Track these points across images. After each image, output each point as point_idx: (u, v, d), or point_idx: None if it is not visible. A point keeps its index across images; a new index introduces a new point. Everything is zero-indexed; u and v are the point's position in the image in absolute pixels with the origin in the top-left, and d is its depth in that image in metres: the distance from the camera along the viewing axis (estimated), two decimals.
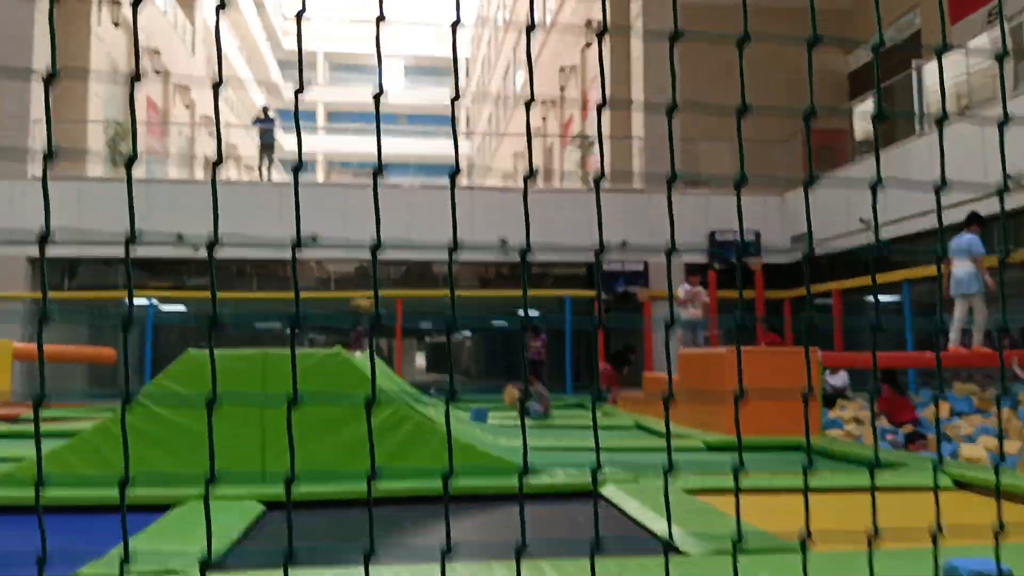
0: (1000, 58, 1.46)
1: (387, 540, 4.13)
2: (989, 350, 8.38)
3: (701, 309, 11.00)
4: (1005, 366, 8.44)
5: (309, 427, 5.18)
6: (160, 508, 4.45)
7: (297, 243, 1.18)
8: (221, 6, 1.18)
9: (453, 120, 1.43)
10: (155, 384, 5.45)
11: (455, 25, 1.35)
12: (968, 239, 8.26)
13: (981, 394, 9.95)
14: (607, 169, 18.42)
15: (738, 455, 1.38)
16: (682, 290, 11.33)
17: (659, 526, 4.00)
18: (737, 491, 1.35)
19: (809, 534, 1.34)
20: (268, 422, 5.28)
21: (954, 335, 8.56)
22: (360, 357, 7.29)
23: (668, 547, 1.46)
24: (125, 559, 1.10)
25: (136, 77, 1.14)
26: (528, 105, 1.31)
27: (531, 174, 1.25)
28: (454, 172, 1.33)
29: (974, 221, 8.46)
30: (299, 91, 1.28)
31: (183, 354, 5.63)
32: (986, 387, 10.43)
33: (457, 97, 1.35)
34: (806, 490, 1.40)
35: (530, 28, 1.34)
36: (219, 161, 1.20)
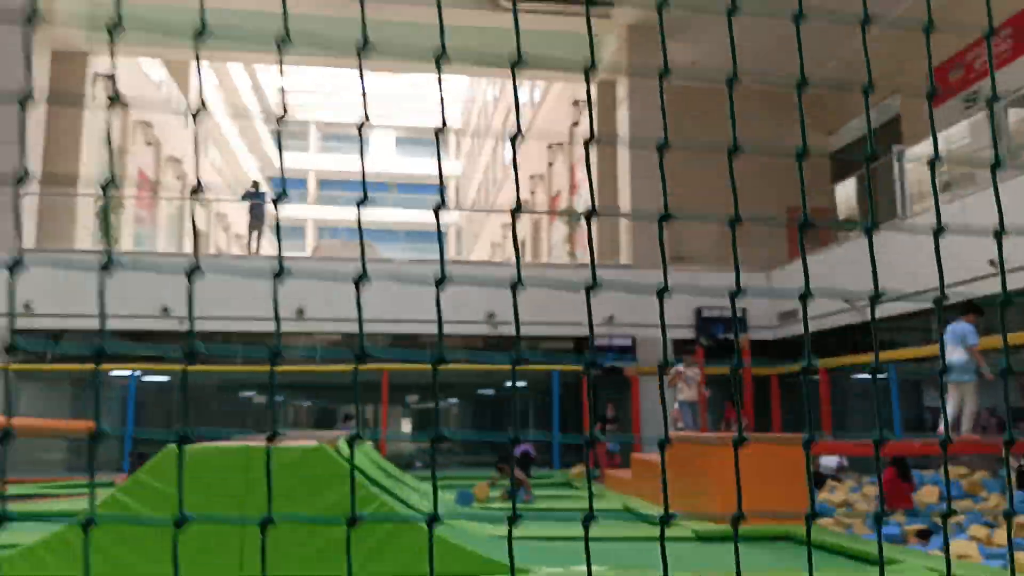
0: (932, 163, 1.50)
1: None
2: (978, 438, 8.32)
3: (695, 389, 10.85)
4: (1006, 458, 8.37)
5: (290, 526, 5.08)
6: None
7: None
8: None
9: (440, 237, 1.44)
10: (134, 480, 5.33)
11: (439, 132, 1.39)
12: (963, 328, 8.25)
13: (970, 477, 9.88)
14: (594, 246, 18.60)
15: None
16: (682, 367, 11.15)
17: None
18: None
19: None
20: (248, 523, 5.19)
21: (942, 425, 8.51)
22: (343, 442, 7.18)
23: None
24: None
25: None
26: (513, 217, 1.33)
27: (518, 257, 1.25)
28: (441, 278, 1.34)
29: (971, 310, 8.41)
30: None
31: (163, 450, 5.54)
32: (974, 470, 10.36)
33: (442, 206, 1.38)
34: None
35: (514, 138, 1.37)
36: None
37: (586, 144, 1.40)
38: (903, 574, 5.31)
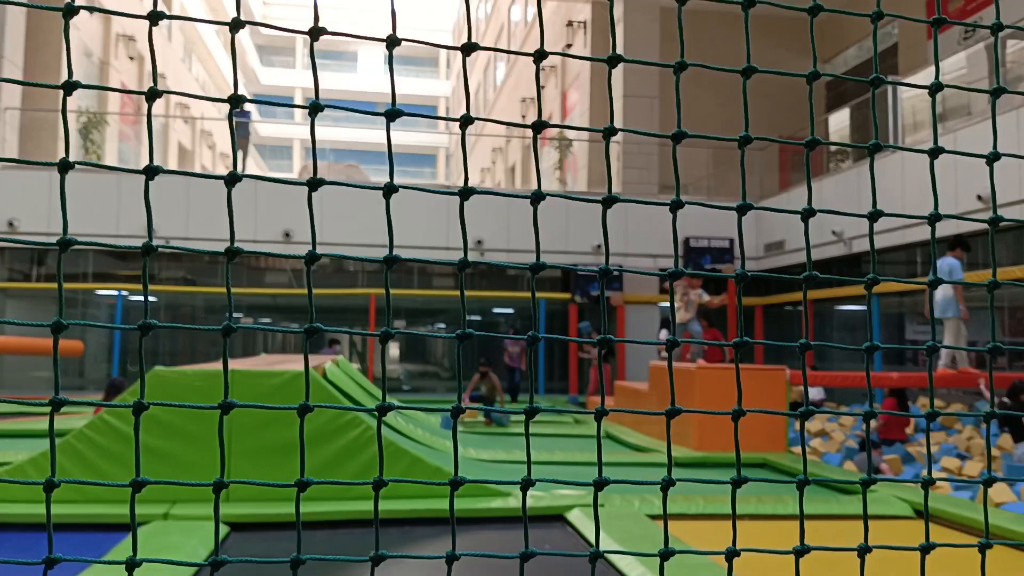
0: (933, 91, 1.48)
1: (344, 571, 4.10)
2: (953, 371, 8.44)
3: (692, 311, 10.35)
4: (980, 388, 8.51)
5: (276, 449, 5.16)
6: (122, 528, 4.43)
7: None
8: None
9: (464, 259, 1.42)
10: (120, 402, 5.36)
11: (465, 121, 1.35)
12: (949, 263, 8.29)
13: (945, 408, 10.09)
14: (584, 173, 18.47)
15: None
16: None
17: (622, 560, 3.98)
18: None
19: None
20: (233, 443, 5.25)
21: (944, 358, 8.56)
22: (331, 365, 7.23)
23: None
24: None
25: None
26: (535, 134, 1.30)
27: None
28: (463, 263, 1.31)
29: (958, 245, 8.44)
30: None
31: (149, 371, 5.57)
32: (949, 403, 10.57)
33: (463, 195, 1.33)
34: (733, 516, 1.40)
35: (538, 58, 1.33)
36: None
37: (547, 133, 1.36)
38: (876, 503, 5.47)
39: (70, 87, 1.14)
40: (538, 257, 1.29)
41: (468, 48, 1.27)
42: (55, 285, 14.48)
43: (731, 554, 1.32)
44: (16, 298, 15.70)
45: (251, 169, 30.39)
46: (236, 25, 1.21)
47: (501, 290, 16.65)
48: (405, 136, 42.84)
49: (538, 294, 15.60)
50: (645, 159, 16.44)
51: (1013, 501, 5.77)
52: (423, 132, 45.71)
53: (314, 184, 1.25)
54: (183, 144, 27.30)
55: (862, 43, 18.21)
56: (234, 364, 6.26)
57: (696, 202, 1.38)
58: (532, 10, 25.12)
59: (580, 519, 4.98)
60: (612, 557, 4.11)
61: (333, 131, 41.74)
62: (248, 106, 18.03)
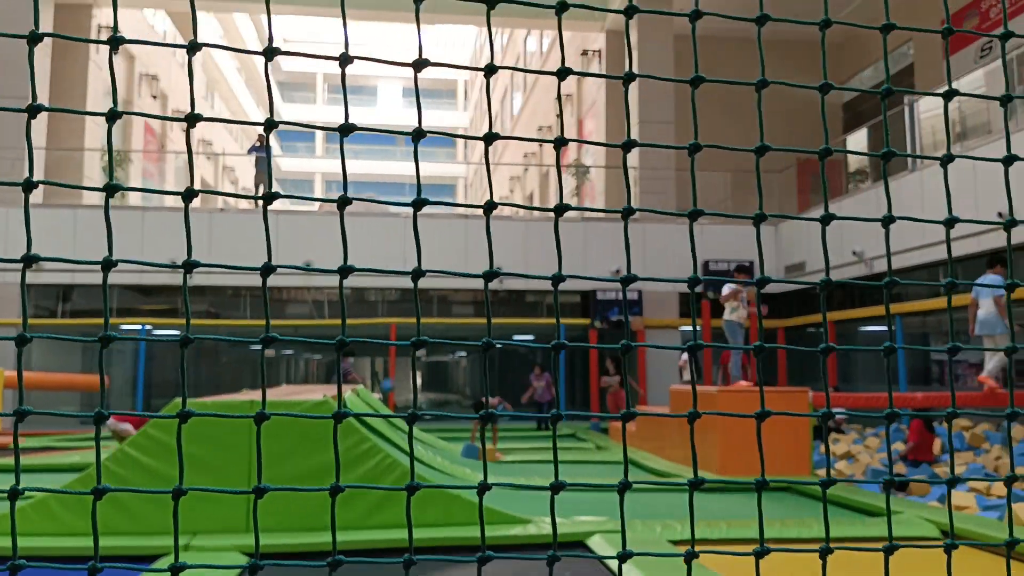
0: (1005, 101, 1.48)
1: None
2: (998, 385, 8.22)
3: (747, 310, 9.60)
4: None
5: (296, 479, 5.16)
6: (145, 559, 4.45)
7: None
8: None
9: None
10: (142, 434, 5.39)
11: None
12: (991, 280, 8.17)
13: (973, 429, 9.93)
14: (601, 200, 18.50)
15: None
16: (726, 288, 9.85)
17: None
18: None
19: None
20: (253, 474, 5.26)
21: (991, 367, 8.36)
22: (350, 395, 7.24)
23: None
24: None
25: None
26: (557, 152, 1.31)
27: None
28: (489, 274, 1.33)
29: (997, 263, 8.31)
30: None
31: (171, 403, 5.60)
32: (978, 422, 10.40)
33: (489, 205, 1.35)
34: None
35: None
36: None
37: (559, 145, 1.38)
38: (902, 525, 5.38)
39: (114, 115, 1.19)
40: (560, 269, 1.30)
41: (490, 70, 1.30)
42: (80, 321, 14.64)
43: (759, 554, 1.30)
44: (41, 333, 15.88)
45: (273, 204, 30.69)
46: (269, 53, 1.25)
47: (521, 316, 16.65)
48: (424, 167, 43.07)
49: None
50: (662, 184, 16.45)
51: None
52: (443, 164, 46.05)
53: (343, 202, 1.26)
54: (205, 179, 27.65)
55: (878, 64, 18.21)
56: (255, 396, 6.30)
57: (715, 212, 1.39)
58: (547, 40, 25.34)
59: (601, 545, 4.93)
60: None
61: (352, 164, 42.14)
62: (269, 141, 18.21)
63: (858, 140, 15.94)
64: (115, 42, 1.20)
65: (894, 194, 12.30)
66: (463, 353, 19.30)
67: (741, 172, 16.15)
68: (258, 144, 18.21)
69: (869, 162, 14.96)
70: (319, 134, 48.97)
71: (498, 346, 1.29)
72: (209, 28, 29.80)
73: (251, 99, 38.47)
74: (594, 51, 19.69)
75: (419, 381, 21.16)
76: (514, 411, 12.38)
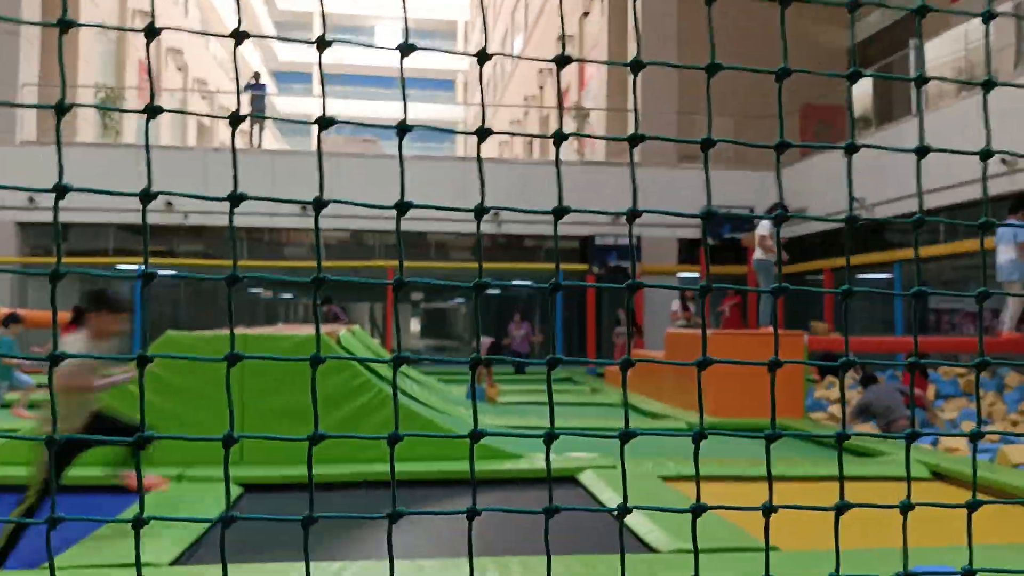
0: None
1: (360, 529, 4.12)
2: (1019, 335, 8.08)
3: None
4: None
5: (289, 413, 5.19)
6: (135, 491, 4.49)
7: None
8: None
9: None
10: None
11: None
12: (1013, 225, 8.01)
13: (968, 376, 10.00)
14: (601, 145, 18.34)
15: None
16: (767, 227, 9.49)
17: (632, 519, 3.93)
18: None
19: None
20: (246, 406, 5.29)
21: (1009, 322, 8.21)
22: (346, 333, 7.26)
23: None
24: None
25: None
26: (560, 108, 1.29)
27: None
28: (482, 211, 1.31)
29: (1020, 208, 7.99)
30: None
31: (163, 336, 5.62)
32: (970, 370, 10.47)
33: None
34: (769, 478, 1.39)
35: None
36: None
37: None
38: (893, 465, 5.47)
39: (153, 33, 1.15)
40: (560, 202, 1.29)
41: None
42: (78, 259, 14.61)
43: (768, 511, 1.31)
44: (38, 276, 15.87)
45: (269, 144, 30.42)
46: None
47: (518, 261, 16.63)
48: (423, 108, 42.65)
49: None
50: (665, 129, 16.28)
51: None
52: (441, 105, 45.50)
53: (325, 123, 1.24)
54: (201, 120, 27.34)
55: (881, 10, 17.88)
56: (248, 330, 6.32)
57: (727, 140, 1.37)
58: None
59: (592, 480, 5.00)
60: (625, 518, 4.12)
61: (349, 105, 41.69)
62: (263, 79, 18.00)
63: (864, 85, 15.74)
64: None
65: (897, 138, 12.20)
66: (461, 299, 19.34)
67: (744, 117, 15.98)
68: (253, 81, 17.97)
69: (872, 109, 14.80)
70: (314, 75, 48.29)
71: (491, 289, 1.28)
72: None
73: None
74: None
75: (418, 329, 21.23)
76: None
